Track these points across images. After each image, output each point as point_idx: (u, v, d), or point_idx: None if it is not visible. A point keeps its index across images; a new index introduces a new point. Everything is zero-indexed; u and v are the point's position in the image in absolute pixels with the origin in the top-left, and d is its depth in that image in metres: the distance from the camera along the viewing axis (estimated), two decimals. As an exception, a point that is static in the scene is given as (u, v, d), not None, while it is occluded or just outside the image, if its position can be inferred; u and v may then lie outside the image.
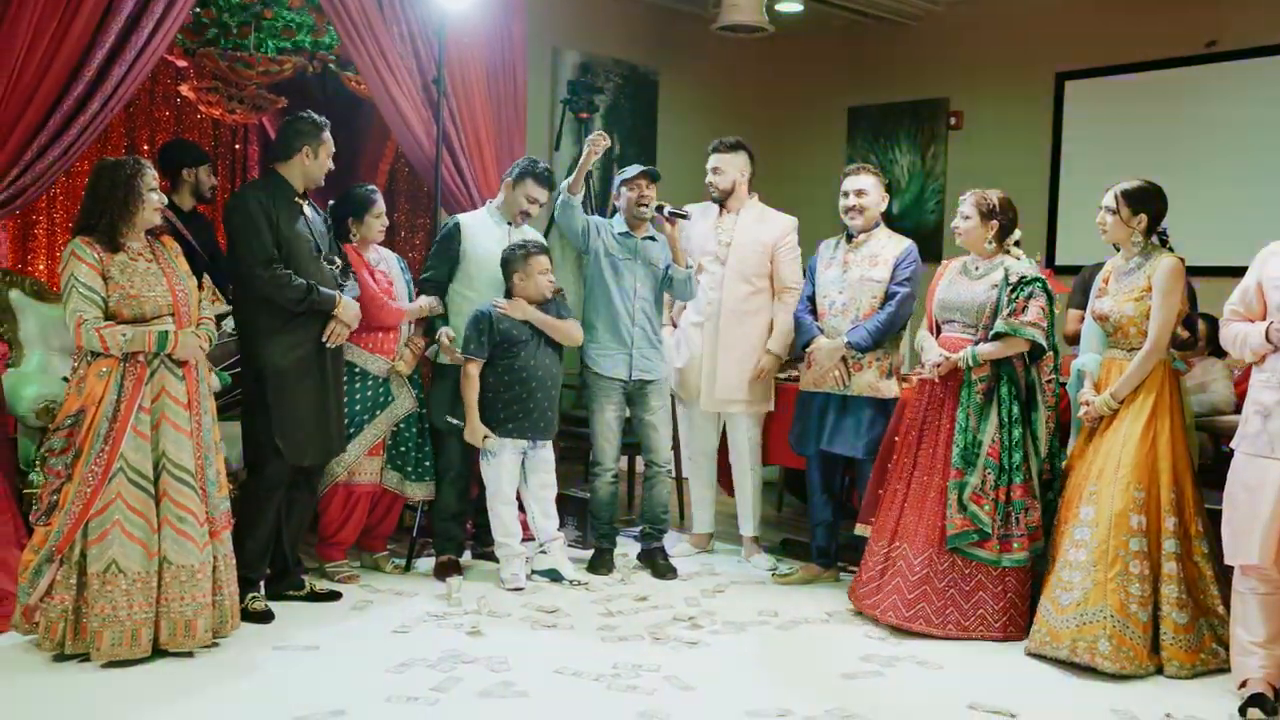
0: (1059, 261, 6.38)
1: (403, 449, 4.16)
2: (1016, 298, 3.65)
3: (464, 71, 4.80)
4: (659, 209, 4.26)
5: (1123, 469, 3.40)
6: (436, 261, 4.27)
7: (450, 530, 4.30)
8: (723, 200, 4.47)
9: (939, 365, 3.71)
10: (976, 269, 3.81)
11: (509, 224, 4.30)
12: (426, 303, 4.20)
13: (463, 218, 4.34)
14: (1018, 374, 3.68)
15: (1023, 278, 3.68)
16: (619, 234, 4.36)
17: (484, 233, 4.28)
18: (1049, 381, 3.72)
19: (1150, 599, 3.34)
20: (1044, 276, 3.72)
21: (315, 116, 3.75)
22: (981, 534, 3.59)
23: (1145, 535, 3.36)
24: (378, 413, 4.08)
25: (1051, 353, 3.70)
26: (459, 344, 4.12)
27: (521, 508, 4.27)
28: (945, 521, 3.62)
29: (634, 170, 4.37)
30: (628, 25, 7.14)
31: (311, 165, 3.71)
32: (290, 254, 3.62)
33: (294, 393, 3.66)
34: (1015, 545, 3.61)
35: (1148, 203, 3.51)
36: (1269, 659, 3.10)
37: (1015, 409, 3.66)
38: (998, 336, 3.65)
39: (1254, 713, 3.01)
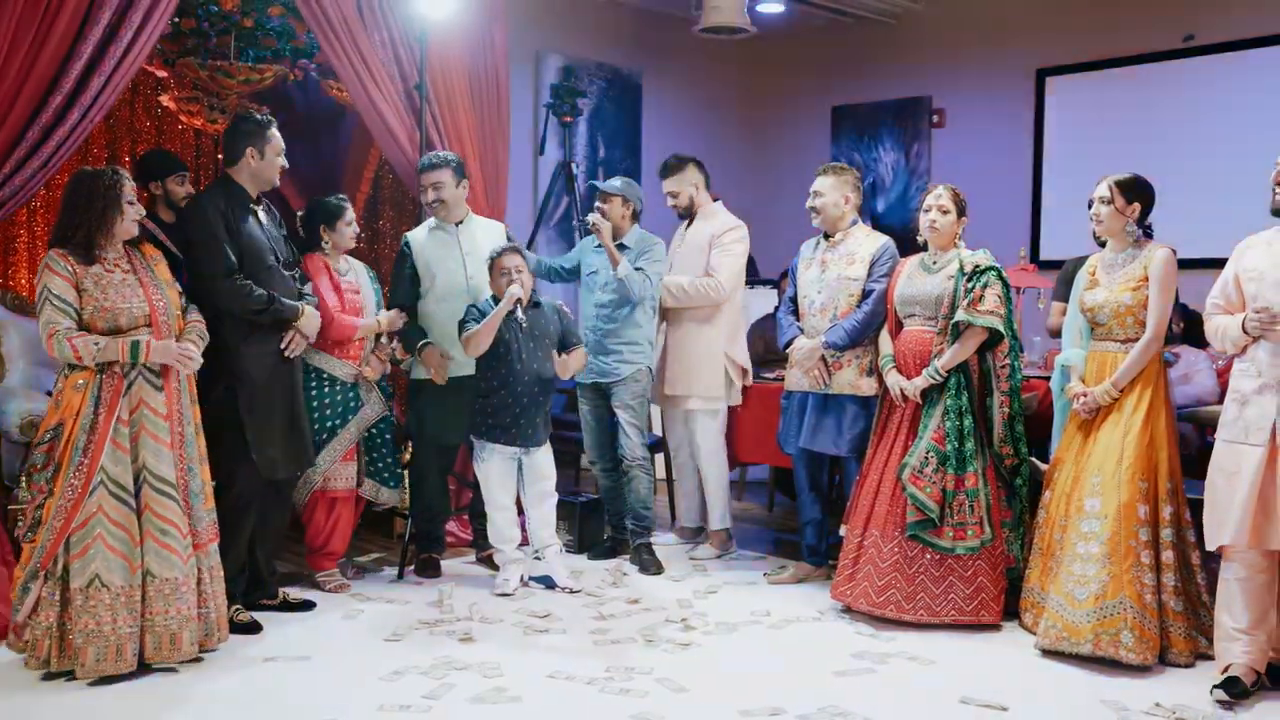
0: (1043, 256, 6.41)
1: (374, 455, 4.15)
2: (974, 287, 3.69)
3: (446, 77, 4.78)
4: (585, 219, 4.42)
5: (1126, 460, 3.42)
6: (396, 283, 4.28)
7: (430, 530, 4.36)
8: (689, 216, 4.64)
9: (909, 397, 3.76)
10: (934, 262, 3.84)
11: (451, 223, 4.26)
12: (386, 318, 4.14)
13: (410, 235, 4.37)
14: (969, 364, 3.72)
15: (977, 267, 3.72)
16: (595, 246, 4.48)
17: (429, 242, 4.29)
18: (1003, 367, 3.75)
19: (1157, 587, 3.37)
20: (998, 264, 3.76)
21: (258, 115, 3.68)
22: (929, 520, 3.61)
23: (1150, 525, 3.40)
24: (348, 418, 4.04)
25: (1009, 340, 3.73)
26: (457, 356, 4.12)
27: (523, 511, 4.27)
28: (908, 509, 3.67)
29: (600, 185, 4.55)
30: (610, 28, 7.14)
31: (260, 165, 3.63)
32: (247, 261, 3.56)
33: (267, 405, 3.61)
34: (969, 533, 3.64)
35: (1140, 192, 3.56)
36: (1252, 644, 3.14)
37: (965, 399, 3.68)
38: (955, 329, 3.68)
39: (1218, 694, 3.06)
